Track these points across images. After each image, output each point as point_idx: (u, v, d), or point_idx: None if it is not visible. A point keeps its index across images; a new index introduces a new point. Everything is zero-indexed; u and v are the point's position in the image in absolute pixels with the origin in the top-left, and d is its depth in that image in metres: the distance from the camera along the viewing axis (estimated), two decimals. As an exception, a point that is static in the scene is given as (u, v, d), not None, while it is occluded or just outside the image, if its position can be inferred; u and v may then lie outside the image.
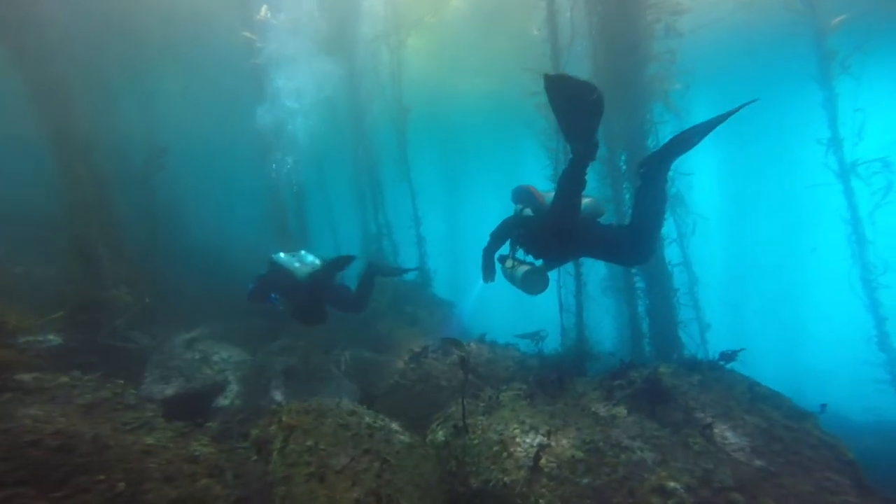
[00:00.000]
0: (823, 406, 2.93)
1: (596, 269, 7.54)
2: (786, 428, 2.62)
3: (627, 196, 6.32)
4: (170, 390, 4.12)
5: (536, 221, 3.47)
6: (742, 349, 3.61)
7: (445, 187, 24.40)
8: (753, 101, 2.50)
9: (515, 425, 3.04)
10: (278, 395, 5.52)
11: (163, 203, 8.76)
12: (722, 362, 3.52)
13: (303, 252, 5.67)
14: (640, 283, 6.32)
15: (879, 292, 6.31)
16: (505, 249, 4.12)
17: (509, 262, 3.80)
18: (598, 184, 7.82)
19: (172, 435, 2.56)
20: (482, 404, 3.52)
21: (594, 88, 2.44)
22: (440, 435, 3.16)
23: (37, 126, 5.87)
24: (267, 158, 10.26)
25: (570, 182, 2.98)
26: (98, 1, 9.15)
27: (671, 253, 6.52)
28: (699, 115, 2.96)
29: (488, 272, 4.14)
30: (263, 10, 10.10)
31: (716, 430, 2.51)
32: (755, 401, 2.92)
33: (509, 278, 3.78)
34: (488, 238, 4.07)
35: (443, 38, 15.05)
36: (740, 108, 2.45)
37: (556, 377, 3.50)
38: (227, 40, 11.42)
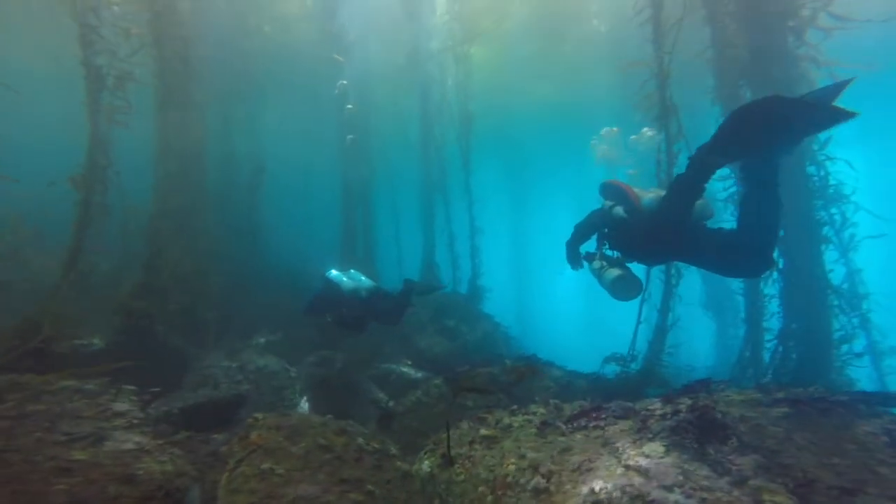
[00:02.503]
0: None
1: (691, 281, 6.25)
2: None
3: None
4: (192, 399, 4.20)
5: (630, 223, 3.25)
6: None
7: (511, 201, 23.79)
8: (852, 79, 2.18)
9: (513, 460, 2.35)
10: (305, 407, 5.43)
11: (251, 221, 9.72)
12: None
13: (353, 271, 6.21)
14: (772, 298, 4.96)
15: None
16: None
17: (597, 263, 3.56)
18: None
19: (131, 449, 2.41)
20: (484, 431, 2.87)
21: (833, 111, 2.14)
22: (426, 465, 2.60)
23: (155, 133, 6.70)
24: (344, 178, 10.98)
25: (690, 191, 2.79)
26: (227, 30, 10.68)
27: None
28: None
29: (574, 262, 3.99)
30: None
31: (818, 485, 1.53)
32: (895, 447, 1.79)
33: (597, 278, 3.55)
34: (572, 230, 3.92)
35: (506, 47, 15.08)
36: (841, 87, 2.13)
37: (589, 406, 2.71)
38: (315, 69, 12.76)
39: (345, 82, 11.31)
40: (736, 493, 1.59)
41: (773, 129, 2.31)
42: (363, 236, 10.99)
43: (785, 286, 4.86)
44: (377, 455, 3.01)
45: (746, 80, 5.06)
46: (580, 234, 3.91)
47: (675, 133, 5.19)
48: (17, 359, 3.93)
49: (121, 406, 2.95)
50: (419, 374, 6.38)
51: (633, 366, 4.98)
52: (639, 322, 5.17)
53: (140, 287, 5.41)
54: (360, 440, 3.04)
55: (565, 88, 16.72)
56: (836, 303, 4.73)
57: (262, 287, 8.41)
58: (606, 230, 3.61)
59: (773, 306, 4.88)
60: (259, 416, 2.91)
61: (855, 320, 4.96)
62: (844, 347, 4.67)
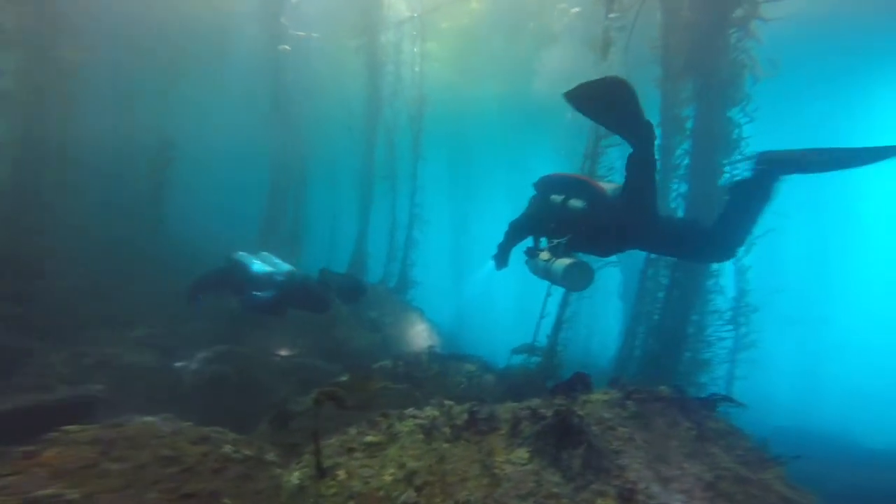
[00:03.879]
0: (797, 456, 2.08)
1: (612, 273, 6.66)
2: (737, 480, 1.79)
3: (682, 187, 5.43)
4: (9, 403, 3.43)
5: (596, 214, 3.15)
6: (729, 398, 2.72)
7: (453, 196, 23.86)
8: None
9: (392, 470, 2.29)
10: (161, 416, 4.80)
11: (154, 201, 8.48)
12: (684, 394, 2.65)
13: (266, 254, 5.79)
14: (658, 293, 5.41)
15: None
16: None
17: (545, 255, 3.42)
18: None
19: None
20: (370, 437, 2.78)
21: (615, 80, 2.39)
22: (295, 476, 2.44)
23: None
24: (273, 156, 10.02)
25: (642, 168, 2.82)
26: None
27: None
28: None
29: (504, 262, 3.96)
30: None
31: (639, 484, 1.71)
32: (703, 440, 2.09)
33: (543, 274, 3.44)
34: (506, 231, 3.84)
35: (461, 42, 14.82)
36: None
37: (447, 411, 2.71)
38: (246, 40, 11.38)
39: (287, 48, 10.43)
40: (578, 497, 1.69)
41: (613, 104, 2.49)
42: (293, 218, 10.26)
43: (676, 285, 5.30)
44: (249, 463, 2.74)
45: (690, 70, 5.24)
46: (517, 232, 3.82)
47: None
48: None
49: None
50: (332, 368, 6.13)
51: (533, 359, 5.24)
52: (541, 316, 5.39)
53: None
54: (227, 448, 2.75)
55: (516, 85, 17.03)
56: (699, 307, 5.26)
57: (158, 274, 7.45)
58: (554, 225, 3.49)
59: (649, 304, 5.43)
60: (73, 428, 2.44)
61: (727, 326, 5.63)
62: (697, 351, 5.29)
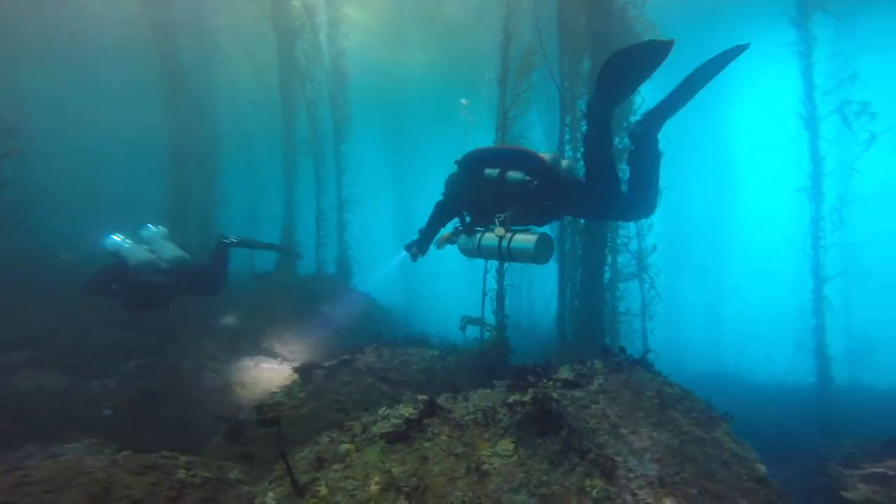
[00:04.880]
0: (728, 415, 2.46)
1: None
2: (697, 442, 2.08)
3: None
4: None
5: (544, 183, 3.14)
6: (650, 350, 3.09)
7: (392, 172, 22.94)
8: (745, 46, 2.51)
9: (377, 478, 2.24)
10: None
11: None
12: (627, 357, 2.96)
13: (152, 230, 5.04)
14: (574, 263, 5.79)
15: (825, 253, 6.23)
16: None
17: (499, 232, 3.24)
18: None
19: None
20: (345, 444, 2.67)
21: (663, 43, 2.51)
22: (270, 498, 2.28)
23: None
24: (172, 139, 8.58)
25: (603, 143, 2.92)
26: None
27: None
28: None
29: (423, 249, 3.83)
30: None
31: (618, 459, 1.90)
32: (664, 407, 2.37)
33: (490, 253, 3.33)
34: (432, 214, 3.70)
35: (383, 9, 13.65)
36: (733, 54, 2.48)
37: (426, 408, 2.71)
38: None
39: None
40: (567, 482, 1.80)
41: (634, 70, 2.63)
42: (204, 201, 9.12)
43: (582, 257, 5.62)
44: (209, 487, 2.50)
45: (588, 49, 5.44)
46: (445, 214, 3.68)
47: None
48: None
49: None
50: (283, 369, 5.78)
51: (486, 334, 5.42)
52: (484, 292, 5.50)
53: None
54: (181, 473, 2.47)
55: (446, 52, 16.51)
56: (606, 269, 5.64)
57: (43, 283, 6.18)
58: (492, 200, 3.36)
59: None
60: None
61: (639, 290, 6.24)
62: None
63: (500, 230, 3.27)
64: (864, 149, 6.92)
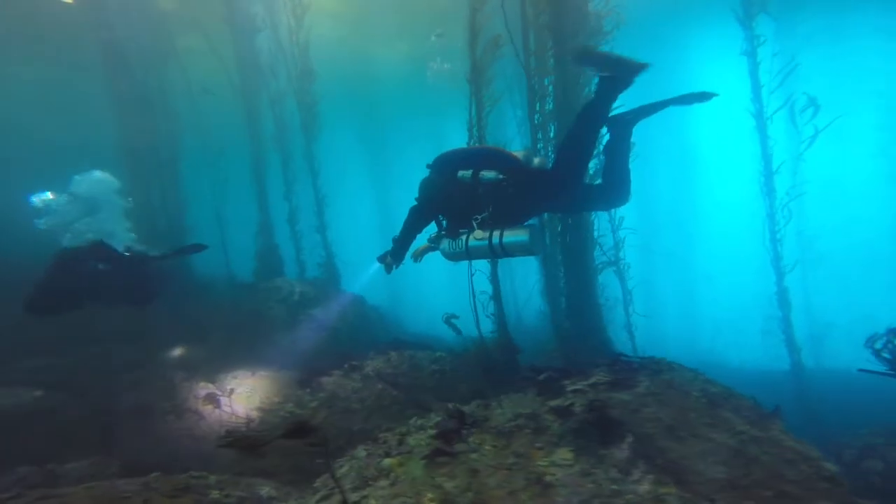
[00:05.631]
0: (778, 407, 2.56)
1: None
2: (755, 441, 2.16)
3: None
4: None
5: (518, 181, 3.17)
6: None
7: (371, 169, 22.33)
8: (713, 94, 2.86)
9: (430, 494, 2.16)
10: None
11: None
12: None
13: None
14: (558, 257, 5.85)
15: (782, 245, 6.57)
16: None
17: (479, 234, 3.23)
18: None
19: None
20: (388, 460, 2.57)
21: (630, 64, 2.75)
22: (319, 526, 2.16)
23: None
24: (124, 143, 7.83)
25: (592, 122, 2.99)
26: None
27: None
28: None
29: (399, 259, 3.75)
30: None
31: (685, 463, 1.92)
32: (714, 407, 2.44)
33: (485, 252, 3.27)
34: (406, 220, 3.62)
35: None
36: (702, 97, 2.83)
37: (458, 417, 2.64)
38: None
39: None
40: (640, 490, 1.80)
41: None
42: (168, 210, 8.43)
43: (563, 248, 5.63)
44: None
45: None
46: (421, 219, 3.61)
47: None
48: None
49: None
50: (283, 376, 5.52)
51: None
52: (473, 294, 5.43)
53: None
54: (215, 493, 2.32)
55: (420, 45, 16.19)
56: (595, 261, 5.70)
57: None
58: (468, 202, 3.31)
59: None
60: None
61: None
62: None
63: (479, 232, 3.24)
64: (809, 143, 7.32)
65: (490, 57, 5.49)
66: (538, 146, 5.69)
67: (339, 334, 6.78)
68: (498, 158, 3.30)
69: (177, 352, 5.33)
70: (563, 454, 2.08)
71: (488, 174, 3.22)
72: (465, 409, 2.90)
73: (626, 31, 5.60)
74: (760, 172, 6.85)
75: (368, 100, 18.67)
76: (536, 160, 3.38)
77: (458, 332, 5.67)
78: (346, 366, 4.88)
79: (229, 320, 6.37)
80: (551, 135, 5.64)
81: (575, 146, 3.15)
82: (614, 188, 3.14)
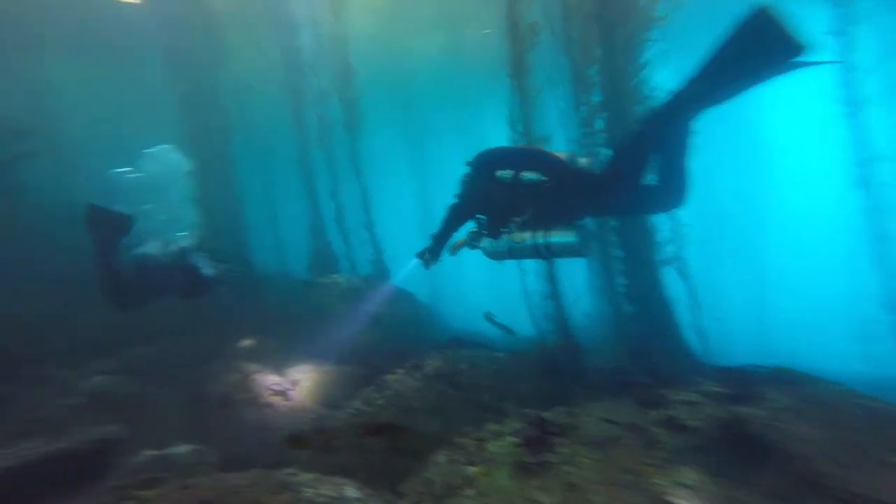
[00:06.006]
0: None
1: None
2: None
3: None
4: (16, 458, 2.67)
5: (562, 183, 3.00)
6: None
7: (411, 165, 22.55)
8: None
9: (527, 509, 2.01)
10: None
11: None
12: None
13: None
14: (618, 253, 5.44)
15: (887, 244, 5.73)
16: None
17: (521, 235, 3.17)
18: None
19: None
20: (474, 468, 2.44)
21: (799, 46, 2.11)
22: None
23: None
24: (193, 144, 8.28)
25: (675, 122, 2.60)
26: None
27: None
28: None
29: (437, 256, 3.74)
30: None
31: (869, 494, 1.59)
32: (884, 428, 2.02)
33: (530, 253, 3.22)
34: (446, 217, 3.57)
35: None
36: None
37: (539, 424, 2.45)
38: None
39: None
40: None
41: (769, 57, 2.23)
42: (229, 209, 8.79)
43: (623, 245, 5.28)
44: None
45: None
46: (460, 217, 3.55)
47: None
48: None
49: None
50: (345, 371, 5.61)
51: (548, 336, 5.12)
52: (525, 294, 5.15)
53: None
54: (309, 492, 2.33)
55: (458, 36, 15.91)
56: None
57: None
58: (509, 202, 3.22)
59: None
60: (147, 492, 1.90)
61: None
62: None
63: (521, 233, 3.17)
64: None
65: (530, 47, 5.22)
66: (584, 140, 5.38)
67: (393, 330, 6.81)
68: (540, 159, 3.17)
69: (246, 344, 5.56)
70: (688, 474, 1.83)
71: (529, 175, 3.10)
72: (546, 415, 2.71)
73: (683, 17, 5.10)
74: (853, 162, 6.00)
75: (405, 94, 18.67)
76: (582, 160, 3.22)
77: (510, 331, 5.51)
78: (407, 364, 4.83)
79: (291, 315, 6.58)
80: (600, 128, 5.30)
81: (640, 147, 2.84)
82: (671, 190, 2.81)
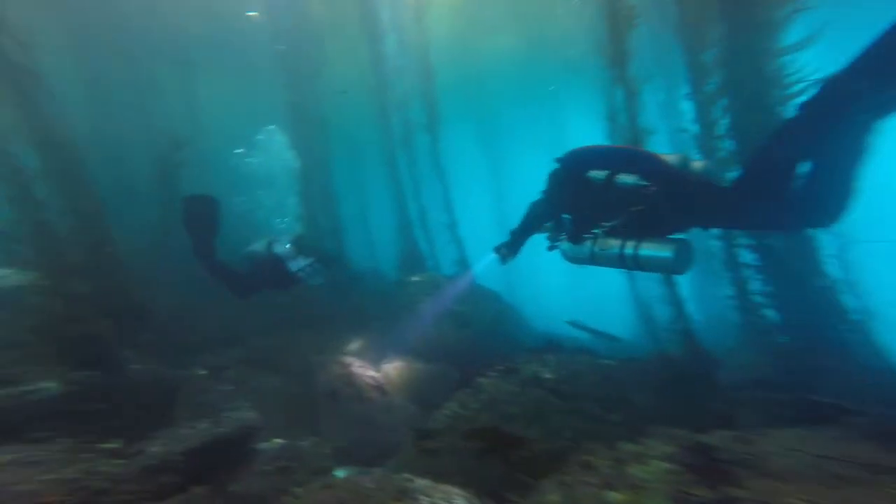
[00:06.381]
0: None
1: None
2: None
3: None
4: (194, 439, 3.11)
5: (669, 190, 2.64)
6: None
7: (486, 164, 22.52)
8: None
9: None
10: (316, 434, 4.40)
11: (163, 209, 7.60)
12: None
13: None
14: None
15: None
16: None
17: (608, 242, 2.90)
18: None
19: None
20: (613, 494, 2.08)
21: None
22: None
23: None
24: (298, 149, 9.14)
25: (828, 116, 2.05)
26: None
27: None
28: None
29: (514, 252, 3.67)
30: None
31: None
32: None
33: (614, 262, 2.94)
34: (526, 214, 3.52)
35: None
36: None
37: (701, 450, 1.97)
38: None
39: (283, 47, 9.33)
40: None
41: None
42: (326, 209, 9.39)
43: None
44: None
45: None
46: (541, 216, 3.42)
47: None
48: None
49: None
50: (434, 368, 5.58)
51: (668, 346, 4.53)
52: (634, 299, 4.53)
53: (76, 305, 3.93)
54: (425, 500, 2.24)
55: (534, 33, 15.37)
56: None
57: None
58: (599, 206, 2.99)
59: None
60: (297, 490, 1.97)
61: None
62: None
63: (608, 240, 2.92)
64: None
65: (630, 32, 4.74)
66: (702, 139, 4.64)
67: (480, 330, 6.63)
68: (642, 161, 2.85)
69: (346, 339, 5.85)
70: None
71: (627, 178, 2.78)
72: (707, 439, 2.23)
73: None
74: None
75: (480, 93, 18.55)
76: (696, 165, 2.82)
77: (612, 337, 5.05)
78: (501, 367, 4.59)
79: (384, 312, 6.79)
80: (722, 122, 4.59)
81: (783, 153, 2.28)
82: (825, 204, 2.24)
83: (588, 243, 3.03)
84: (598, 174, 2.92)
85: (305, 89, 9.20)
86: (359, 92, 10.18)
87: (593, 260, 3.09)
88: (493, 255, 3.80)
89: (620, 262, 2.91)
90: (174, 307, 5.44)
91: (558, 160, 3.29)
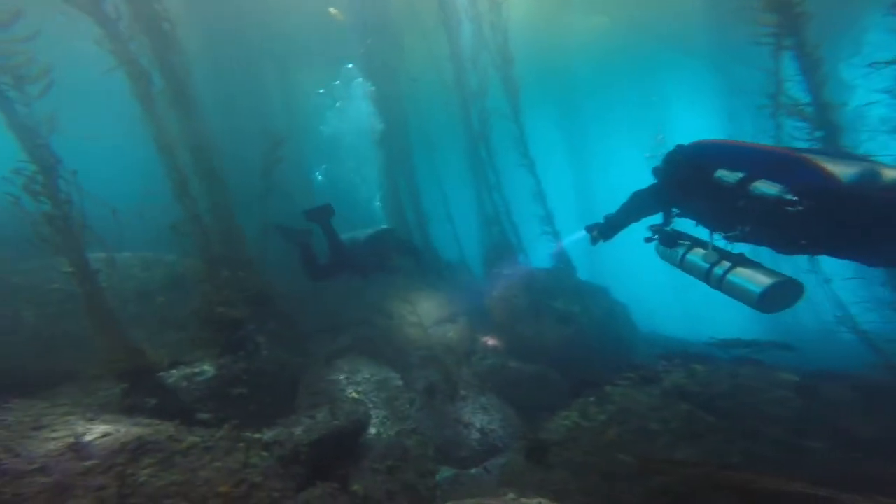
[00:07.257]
0: None
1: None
2: None
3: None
4: (316, 431, 3.08)
5: (822, 210, 2.08)
6: None
7: (568, 152, 21.19)
8: None
9: None
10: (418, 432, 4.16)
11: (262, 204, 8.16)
12: None
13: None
14: None
15: None
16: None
17: (705, 252, 2.66)
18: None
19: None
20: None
21: None
22: None
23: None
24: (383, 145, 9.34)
25: None
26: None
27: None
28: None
29: (607, 237, 3.44)
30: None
31: None
32: None
33: (700, 276, 2.69)
34: (626, 203, 3.28)
35: None
36: None
37: None
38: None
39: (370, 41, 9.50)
40: None
41: None
42: (411, 203, 9.30)
43: None
44: None
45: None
46: (642, 208, 3.19)
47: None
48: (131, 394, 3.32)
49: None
50: (529, 368, 4.99)
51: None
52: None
53: (227, 294, 4.26)
54: None
55: (622, 17, 13.84)
56: None
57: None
58: (718, 210, 2.66)
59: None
60: None
61: None
62: None
63: (706, 253, 2.65)
64: None
65: None
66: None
67: (587, 330, 5.84)
68: (797, 169, 2.24)
69: (441, 332, 5.58)
70: None
71: (768, 187, 2.25)
72: None
73: None
74: None
75: (561, 77, 17.28)
76: (890, 174, 2.04)
77: (786, 347, 4.06)
78: (633, 374, 3.82)
79: (474, 305, 6.43)
80: None
81: None
82: None
83: (681, 249, 2.83)
84: (729, 175, 2.48)
85: (387, 82, 9.28)
86: (437, 84, 9.96)
87: (681, 266, 2.87)
88: (583, 233, 3.61)
89: (705, 277, 2.66)
90: (284, 296, 5.69)
91: (681, 147, 2.95)
